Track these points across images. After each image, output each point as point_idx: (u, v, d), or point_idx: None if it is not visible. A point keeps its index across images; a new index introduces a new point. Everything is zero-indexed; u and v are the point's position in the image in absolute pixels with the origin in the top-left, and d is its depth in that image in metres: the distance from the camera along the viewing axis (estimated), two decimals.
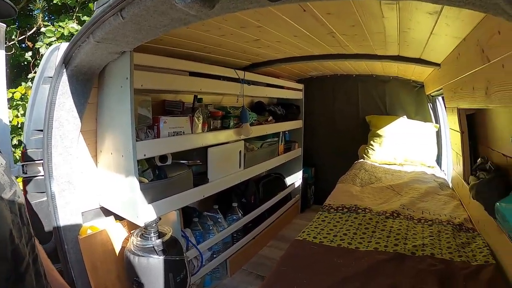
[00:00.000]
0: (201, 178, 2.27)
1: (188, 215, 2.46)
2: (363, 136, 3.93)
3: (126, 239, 1.84)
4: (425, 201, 2.36)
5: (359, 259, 1.55)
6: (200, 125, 2.16)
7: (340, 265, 1.50)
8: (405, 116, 3.77)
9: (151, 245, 1.69)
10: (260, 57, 2.60)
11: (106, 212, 1.88)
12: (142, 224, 1.69)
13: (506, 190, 1.54)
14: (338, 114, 4.22)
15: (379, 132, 3.72)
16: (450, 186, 2.74)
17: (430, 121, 3.70)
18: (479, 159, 1.97)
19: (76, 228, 1.72)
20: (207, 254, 2.45)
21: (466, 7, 0.84)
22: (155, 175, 1.93)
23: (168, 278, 1.70)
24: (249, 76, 2.73)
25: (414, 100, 3.81)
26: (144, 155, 1.73)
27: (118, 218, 1.87)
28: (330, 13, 1.54)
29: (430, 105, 3.71)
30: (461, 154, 2.27)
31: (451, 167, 2.90)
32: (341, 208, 2.22)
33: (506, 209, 1.36)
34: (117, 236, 1.84)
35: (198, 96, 2.27)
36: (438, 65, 2.35)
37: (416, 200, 2.37)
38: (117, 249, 1.82)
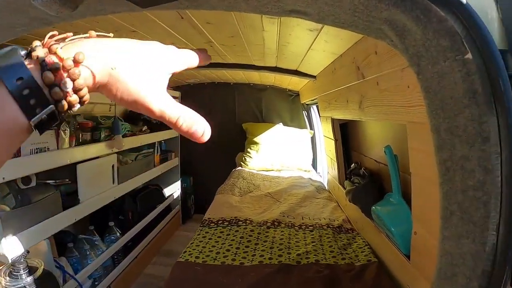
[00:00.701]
0: (71, 198, 1.99)
1: (61, 240, 2.12)
2: (240, 143, 4.00)
3: None
4: (304, 206, 2.45)
5: (245, 275, 1.50)
6: (67, 139, 1.87)
7: (227, 284, 1.43)
8: (281, 123, 3.97)
9: (22, 285, 1.41)
10: None
11: None
12: (8, 261, 1.43)
13: (379, 193, 1.69)
14: (215, 122, 4.07)
15: (255, 139, 3.82)
16: (327, 189, 2.95)
17: (305, 127, 3.96)
18: (353, 164, 2.16)
19: None
20: (87, 283, 2.18)
21: (349, 29, 0.85)
22: (17, 200, 1.62)
23: None
24: None
25: (289, 108, 4.04)
26: (3, 178, 1.45)
27: None
28: (209, 22, 1.48)
29: (305, 113, 3.98)
30: (335, 160, 2.46)
31: (326, 170, 3.13)
32: (221, 221, 2.15)
33: (382, 212, 1.49)
34: None
35: None
36: (313, 77, 2.51)
37: (296, 206, 2.44)
38: None
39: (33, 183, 1.70)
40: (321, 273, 1.49)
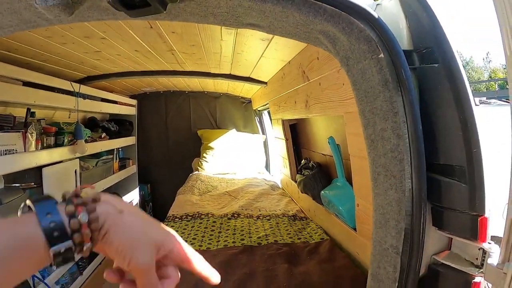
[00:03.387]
0: None
1: None
2: (196, 149, 4.15)
3: None
4: (261, 201, 2.66)
5: (212, 257, 1.66)
6: (33, 142, 1.92)
7: None
8: (234, 129, 4.16)
9: None
10: (97, 69, 2.50)
11: None
12: None
13: (327, 180, 1.95)
14: (171, 130, 4.33)
15: (210, 145, 3.98)
16: (281, 187, 3.18)
17: (258, 132, 4.21)
18: (303, 160, 2.41)
19: None
20: None
21: (294, 38, 1.09)
22: None
23: None
24: (84, 89, 2.56)
25: (242, 115, 4.27)
26: None
27: None
28: (174, 32, 1.66)
29: (257, 119, 4.22)
30: (287, 158, 2.70)
31: (279, 171, 3.36)
32: (185, 216, 2.30)
33: (330, 194, 1.74)
34: None
35: (31, 110, 2.02)
36: (265, 83, 2.75)
37: (252, 201, 2.64)
38: None
39: (1, 186, 1.73)
40: (280, 250, 1.70)
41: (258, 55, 1.99)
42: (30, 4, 0.88)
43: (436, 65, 0.87)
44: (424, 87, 0.89)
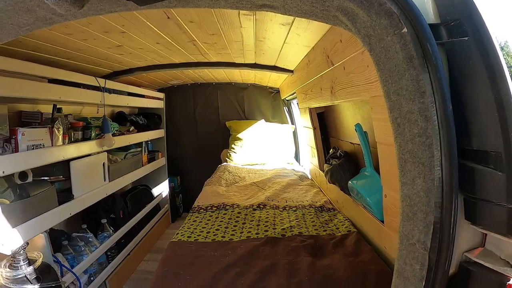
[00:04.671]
0: (65, 195, 2.07)
1: (56, 239, 2.19)
2: (224, 141, 4.16)
3: None
4: (288, 192, 2.61)
5: (235, 248, 1.63)
6: (60, 137, 1.98)
7: (219, 256, 1.55)
8: (263, 120, 4.12)
9: (23, 274, 1.50)
10: (122, 64, 2.52)
11: None
12: (8, 253, 1.49)
13: (355, 170, 1.86)
14: (199, 122, 4.37)
15: (239, 136, 3.96)
16: (309, 177, 3.11)
17: (287, 122, 4.14)
18: (331, 149, 2.32)
19: None
20: (84, 277, 2.25)
21: (311, 18, 1.01)
22: (16, 194, 1.69)
23: None
24: (110, 84, 2.62)
25: (271, 105, 4.22)
26: (3, 172, 1.52)
27: None
28: (192, 21, 1.62)
29: (286, 109, 4.15)
30: (315, 148, 2.62)
31: (309, 161, 3.29)
32: (210, 207, 2.29)
33: (357, 184, 1.66)
34: None
35: (58, 106, 2.08)
36: (291, 71, 2.67)
37: (280, 192, 2.60)
38: None
39: (30, 179, 1.78)
40: (305, 242, 1.64)
41: (280, 41, 1.92)
42: (42, 1, 0.87)
43: (465, 38, 0.76)
44: (453, 64, 0.79)
